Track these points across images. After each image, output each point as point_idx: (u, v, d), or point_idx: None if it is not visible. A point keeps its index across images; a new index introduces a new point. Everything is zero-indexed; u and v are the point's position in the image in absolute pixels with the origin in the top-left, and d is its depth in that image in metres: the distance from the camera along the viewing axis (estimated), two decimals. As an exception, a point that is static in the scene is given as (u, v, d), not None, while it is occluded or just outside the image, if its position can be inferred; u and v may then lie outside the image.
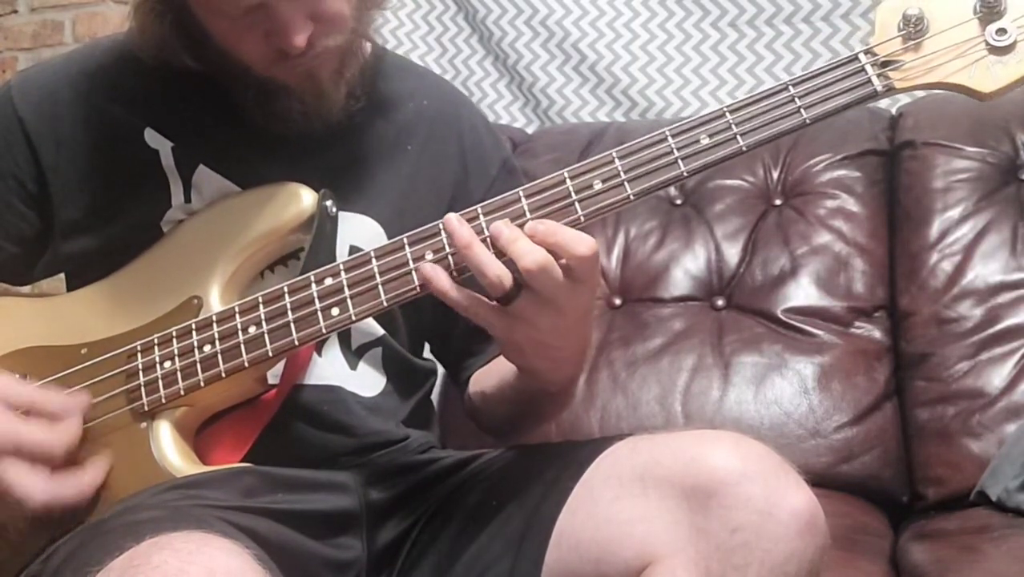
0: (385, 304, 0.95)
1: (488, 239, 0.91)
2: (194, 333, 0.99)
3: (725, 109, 0.91)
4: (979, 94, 0.89)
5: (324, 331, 0.96)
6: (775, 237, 1.66)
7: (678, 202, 1.76)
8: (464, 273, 0.92)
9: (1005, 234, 1.54)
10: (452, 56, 2.22)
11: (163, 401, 0.99)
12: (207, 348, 0.98)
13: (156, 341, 1.01)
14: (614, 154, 0.93)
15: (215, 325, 0.99)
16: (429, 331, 1.20)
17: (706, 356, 1.59)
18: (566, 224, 0.92)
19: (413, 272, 0.94)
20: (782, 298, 1.62)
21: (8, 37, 2.61)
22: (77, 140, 1.08)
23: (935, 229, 1.58)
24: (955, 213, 1.58)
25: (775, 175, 1.72)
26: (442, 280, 0.92)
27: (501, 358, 1.12)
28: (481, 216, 0.93)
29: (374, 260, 0.95)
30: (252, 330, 0.97)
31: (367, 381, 1.09)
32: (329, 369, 1.07)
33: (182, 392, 0.98)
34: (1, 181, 1.09)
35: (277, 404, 1.04)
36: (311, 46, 0.99)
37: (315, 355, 1.07)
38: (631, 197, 0.92)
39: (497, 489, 1.01)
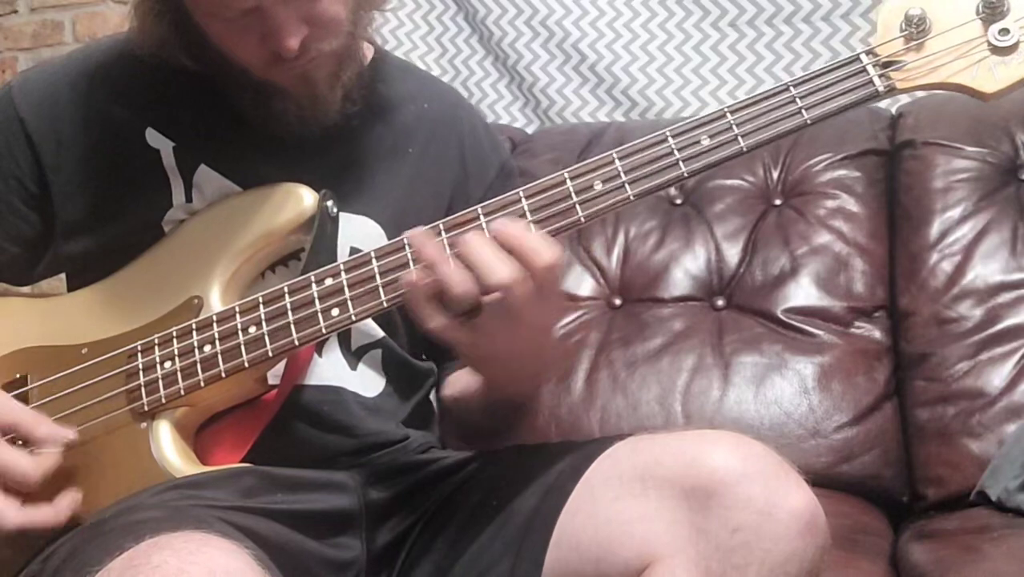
0: (385, 305, 0.95)
1: (457, 252, 0.90)
2: (194, 333, 1.00)
3: (726, 109, 0.91)
4: (982, 95, 0.88)
5: (324, 331, 0.96)
6: (775, 237, 1.66)
7: (678, 202, 1.76)
8: None
9: (1005, 234, 1.54)
10: (452, 56, 2.22)
11: (163, 401, 0.99)
12: (207, 348, 0.99)
13: (156, 341, 1.01)
14: (614, 154, 0.93)
15: (215, 325, 0.99)
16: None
17: (706, 356, 1.59)
18: (566, 225, 0.92)
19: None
20: (782, 298, 1.61)
21: (8, 37, 2.60)
22: (78, 140, 1.08)
23: (935, 229, 1.58)
24: (955, 213, 1.58)
25: (775, 175, 1.72)
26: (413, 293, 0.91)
27: None
28: (481, 216, 0.94)
29: (374, 261, 0.95)
30: (252, 330, 0.98)
31: (367, 382, 1.10)
32: (329, 370, 1.07)
33: (182, 392, 0.99)
34: (2, 181, 1.09)
35: (277, 404, 1.04)
36: (306, 49, 0.99)
37: (315, 356, 1.07)
38: (631, 197, 0.92)
39: (497, 489, 1.01)
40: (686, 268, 1.69)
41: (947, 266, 1.55)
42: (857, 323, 1.58)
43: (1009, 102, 1.62)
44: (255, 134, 1.07)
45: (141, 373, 1.00)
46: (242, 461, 1.01)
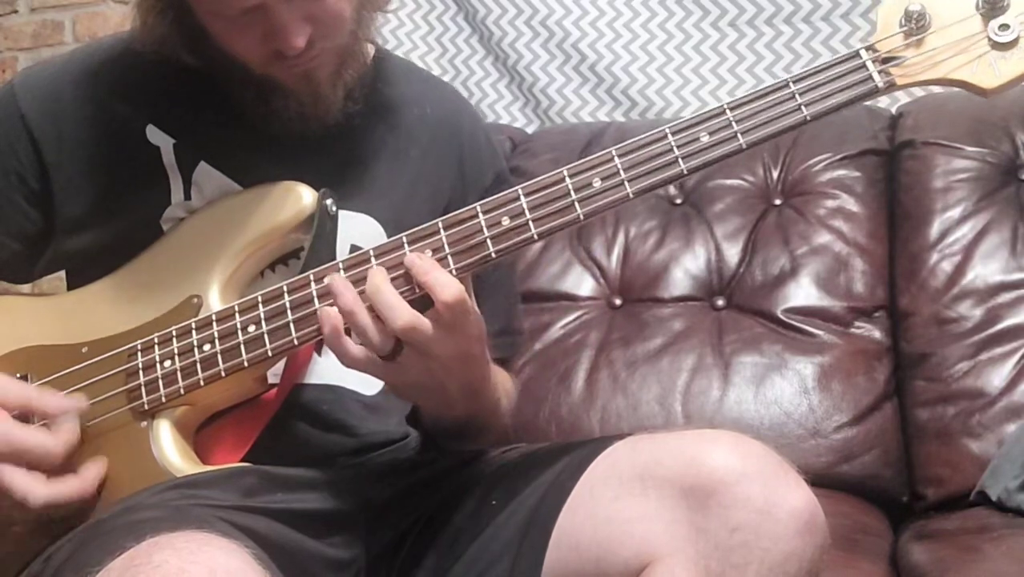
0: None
1: (365, 291, 0.91)
2: (194, 332, 0.99)
3: (725, 106, 0.91)
4: (982, 90, 0.88)
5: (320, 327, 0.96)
6: (775, 237, 1.66)
7: (678, 201, 1.76)
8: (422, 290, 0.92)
9: (1005, 234, 1.54)
10: (452, 56, 2.22)
11: (163, 400, 0.99)
12: (207, 347, 0.99)
13: (156, 340, 1.01)
14: (614, 152, 0.92)
15: (215, 324, 0.99)
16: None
17: (706, 356, 1.59)
18: (565, 222, 0.92)
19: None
20: (782, 298, 1.61)
21: (8, 37, 2.61)
22: (79, 137, 1.08)
23: (935, 229, 1.58)
24: (955, 213, 1.58)
25: (775, 175, 1.72)
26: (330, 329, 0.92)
27: None
28: (480, 215, 0.94)
29: (373, 259, 0.95)
30: (252, 329, 0.98)
31: (367, 380, 1.09)
32: (329, 368, 1.07)
33: (182, 391, 0.99)
34: (4, 178, 1.09)
35: (277, 404, 1.04)
36: (309, 47, 0.99)
37: (315, 354, 1.07)
38: (631, 195, 0.92)
39: (497, 489, 1.01)
40: (686, 268, 1.69)
41: (947, 266, 1.55)
42: (857, 323, 1.58)
43: (1009, 102, 1.63)
44: (256, 132, 1.07)
45: (141, 372, 1.00)
46: (242, 460, 1.01)
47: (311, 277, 0.97)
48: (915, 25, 0.89)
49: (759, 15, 1.96)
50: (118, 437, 0.99)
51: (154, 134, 1.08)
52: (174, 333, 1.00)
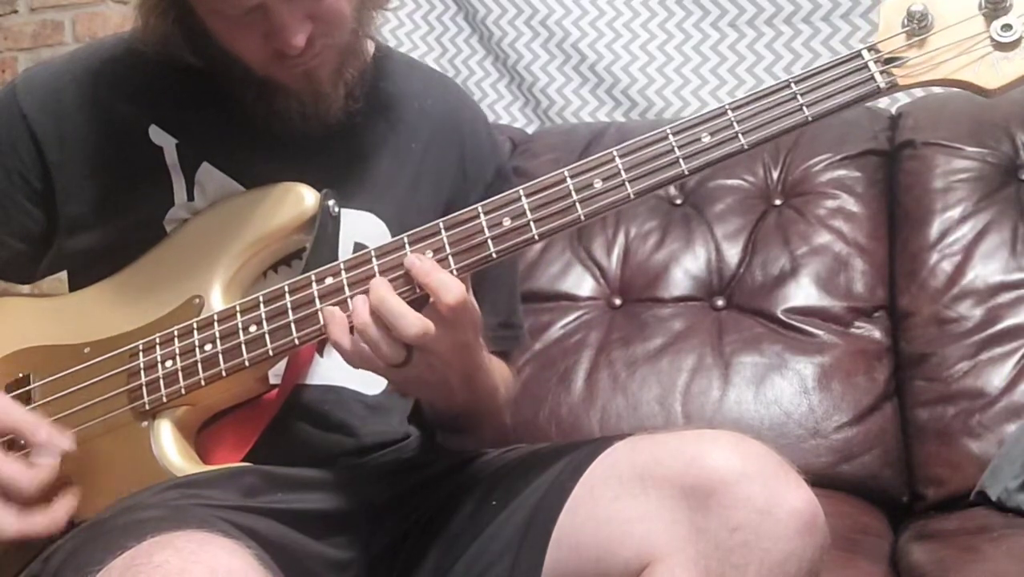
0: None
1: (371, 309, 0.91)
2: (195, 332, 1.00)
3: (727, 107, 0.91)
4: (985, 91, 0.88)
5: (325, 330, 0.96)
6: (775, 237, 1.66)
7: (678, 202, 1.76)
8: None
9: (1005, 234, 1.54)
10: (452, 56, 2.22)
11: (164, 400, 0.99)
12: (208, 347, 0.99)
13: (158, 340, 1.01)
14: (615, 152, 0.92)
15: (216, 324, 0.99)
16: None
17: (706, 356, 1.59)
18: (566, 223, 0.92)
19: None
20: (782, 298, 1.61)
21: (8, 37, 2.61)
22: (81, 137, 1.08)
23: (935, 229, 1.58)
24: (955, 213, 1.58)
25: (775, 175, 1.72)
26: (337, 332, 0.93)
27: None
28: (482, 215, 0.94)
29: (374, 259, 0.95)
30: (253, 329, 0.98)
31: (368, 380, 1.09)
32: (330, 369, 1.07)
33: (183, 391, 0.99)
34: (6, 178, 1.09)
35: (278, 404, 1.04)
36: (310, 46, 0.99)
37: (316, 355, 1.07)
38: (631, 195, 0.91)
39: (497, 489, 1.01)
40: (686, 268, 1.69)
41: (947, 266, 1.55)
42: (857, 323, 1.58)
43: (1009, 102, 1.63)
44: (258, 132, 1.07)
45: (142, 372, 1.00)
46: (243, 460, 1.01)
47: (312, 277, 0.97)
48: (917, 25, 0.88)
49: (759, 15, 1.96)
50: (119, 437, 0.99)
51: (157, 134, 1.08)
52: (175, 333, 1.00)
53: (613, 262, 1.73)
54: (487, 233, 0.93)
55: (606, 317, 1.69)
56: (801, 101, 0.90)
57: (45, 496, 0.95)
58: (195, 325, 1.00)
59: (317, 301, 0.96)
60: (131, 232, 1.08)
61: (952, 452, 1.46)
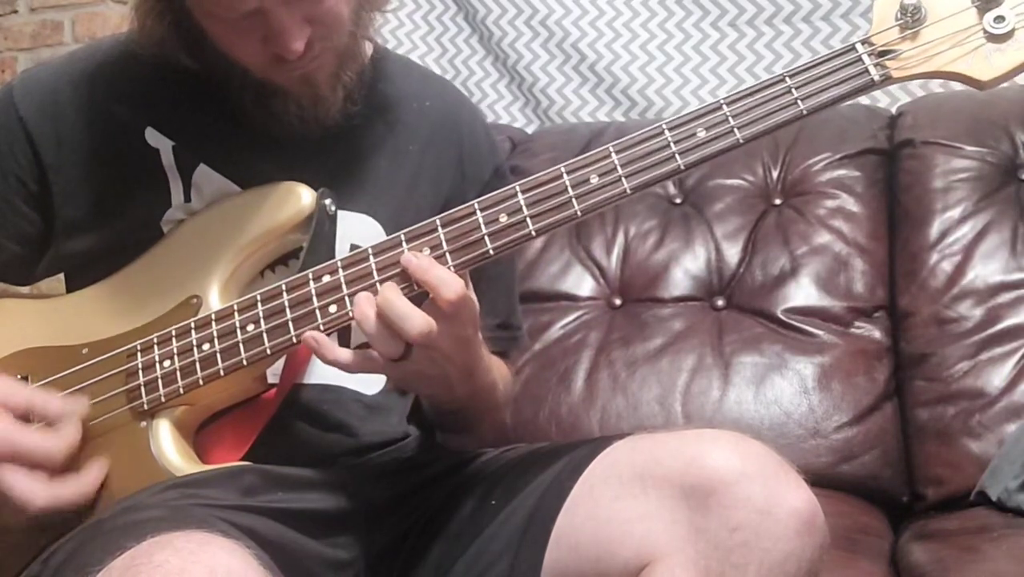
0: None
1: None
2: (193, 332, 0.99)
3: (722, 101, 0.91)
4: (978, 83, 0.88)
5: (322, 329, 0.96)
6: (775, 237, 1.66)
7: (678, 201, 1.76)
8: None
9: (1005, 234, 1.54)
10: (452, 56, 2.22)
11: (163, 400, 0.99)
12: (206, 347, 0.99)
13: (155, 340, 1.01)
14: (611, 148, 0.92)
15: (214, 324, 0.99)
16: None
17: (706, 356, 1.59)
18: (563, 219, 0.92)
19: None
20: (782, 298, 1.61)
21: (8, 37, 2.61)
22: (78, 139, 1.08)
23: (935, 229, 1.58)
24: (955, 213, 1.58)
25: (775, 175, 1.72)
26: (326, 350, 0.94)
27: None
28: (478, 212, 0.94)
29: (371, 257, 0.95)
30: (250, 328, 0.97)
31: (366, 380, 1.09)
32: (329, 368, 1.07)
33: (181, 391, 0.99)
34: (3, 180, 1.09)
35: (277, 403, 1.04)
36: (309, 49, 0.98)
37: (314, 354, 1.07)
38: (628, 191, 0.92)
39: (496, 488, 1.01)
40: (686, 268, 1.69)
41: (947, 266, 1.55)
42: (857, 323, 1.58)
43: (1009, 101, 1.63)
44: (255, 134, 1.07)
45: (140, 372, 1.00)
46: (242, 460, 1.01)
47: (310, 276, 0.97)
48: (911, 18, 0.89)
49: (759, 15, 1.96)
50: (118, 437, 0.99)
51: (153, 136, 1.08)
52: (173, 333, 1.00)
53: (613, 262, 1.73)
54: (484, 230, 0.93)
55: (606, 317, 1.69)
56: (796, 95, 0.90)
57: (71, 467, 0.95)
58: (193, 325, 1.00)
59: (315, 300, 0.96)
60: (128, 234, 1.08)
61: (952, 452, 1.46)
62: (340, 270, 0.96)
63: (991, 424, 1.44)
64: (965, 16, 0.88)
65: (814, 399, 1.53)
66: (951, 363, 1.50)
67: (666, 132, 0.91)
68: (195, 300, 1.02)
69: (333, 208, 1.05)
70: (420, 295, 0.92)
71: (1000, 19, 0.87)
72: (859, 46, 0.90)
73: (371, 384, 1.10)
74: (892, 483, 1.51)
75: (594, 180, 0.92)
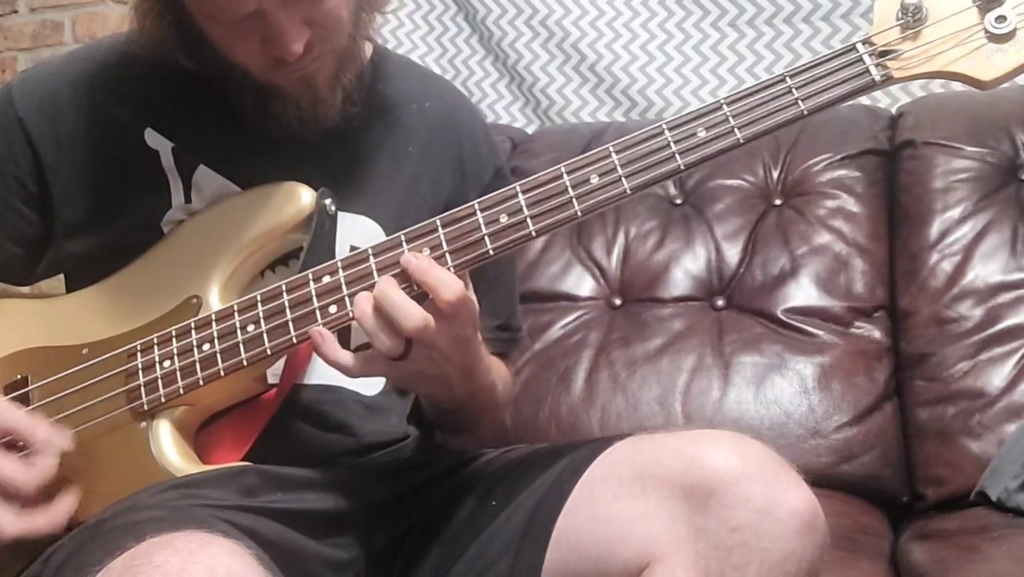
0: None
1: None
2: (193, 332, 0.99)
3: (722, 101, 0.91)
4: (979, 83, 0.88)
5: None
6: (775, 237, 1.66)
7: (678, 202, 1.76)
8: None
9: (1005, 234, 1.54)
10: (452, 56, 2.22)
11: (163, 400, 0.99)
12: (206, 347, 0.98)
13: (155, 341, 1.01)
14: (611, 148, 0.92)
15: (214, 324, 0.99)
16: None
17: (706, 356, 1.59)
18: (563, 219, 0.92)
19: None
20: (782, 298, 1.61)
21: (8, 37, 2.61)
22: (77, 140, 1.08)
23: (935, 229, 1.58)
24: (955, 213, 1.58)
25: (775, 175, 1.72)
26: (328, 348, 0.93)
27: None
28: (478, 212, 0.94)
29: (371, 257, 0.95)
30: (251, 329, 0.97)
31: (367, 380, 1.09)
32: (329, 368, 1.07)
33: (181, 391, 0.99)
34: (2, 181, 1.09)
35: (277, 403, 1.04)
36: (308, 51, 0.98)
37: (314, 354, 1.07)
38: (628, 191, 0.91)
39: (497, 489, 1.01)
40: (686, 268, 1.69)
41: (947, 266, 1.55)
42: (857, 323, 1.58)
43: (1009, 102, 1.63)
44: (254, 135, 1.07)
45: (140, 373, 1.00)
46: (242, 460, 1.01)
47: (310, 276, 0.97)
48: (912, 18, 0.89)
49: (759, 15, 1.96)
50: (118, 438, 0.99)
51: (152, 138, 1.08)
52: (173, 333, 1.00)
53: (613, 262, 1.73)
54: (484, 230, 0.93)
55: (606, 317, 1.69)
56: (796, 95, 0.90)
57: (45, 496, 0.95)
58: (193, 325, 1.00)
59: (315, 300, 0.96)
60: (128, 235, 1.07)
61: (952, 452, 1.46)
62: (340, 270, 0.96)
63: (991, 424, 1.44)
64: (966, 16, 0.88)
65: (814, 399, 1.53)
66: (951, 363, 1.50)
67: (666, 132, 0.91)
68: (195, 300, 1.02)
69: (333, 208, 1.05)
70: (420, 296, 0.92)
71: (1002, 19, 0.87)
72: (860, 46, 0.90)
73: (371, 385, 1.10)
74: (892, 483, 1.51)
75: (594, 180, 0.92)
